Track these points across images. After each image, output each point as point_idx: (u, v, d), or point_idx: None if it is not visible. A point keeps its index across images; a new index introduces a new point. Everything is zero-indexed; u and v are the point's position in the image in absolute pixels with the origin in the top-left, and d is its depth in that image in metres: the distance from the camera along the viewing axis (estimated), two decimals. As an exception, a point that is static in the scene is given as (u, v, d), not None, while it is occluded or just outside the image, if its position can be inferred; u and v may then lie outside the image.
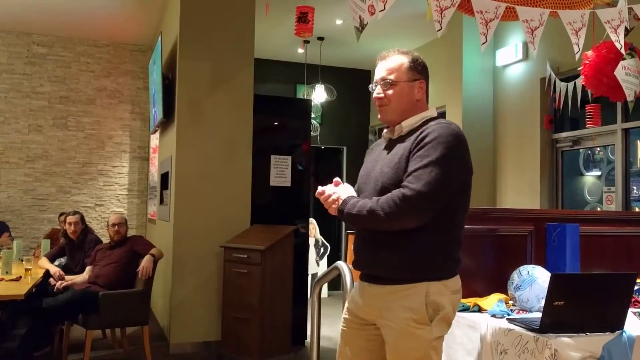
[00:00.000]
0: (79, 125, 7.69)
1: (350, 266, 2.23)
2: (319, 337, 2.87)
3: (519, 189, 6.16)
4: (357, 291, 2.15)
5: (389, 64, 2.13)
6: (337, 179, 2.14)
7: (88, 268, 4.79)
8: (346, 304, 2.21)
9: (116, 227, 4.79)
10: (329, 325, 4.69)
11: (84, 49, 7.73)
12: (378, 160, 2.14)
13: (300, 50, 7.73)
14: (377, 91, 2.13)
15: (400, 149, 2.05)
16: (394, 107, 2.11)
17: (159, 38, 5.99)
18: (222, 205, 5.16)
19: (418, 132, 2.03)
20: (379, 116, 2.16)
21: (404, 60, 2.13)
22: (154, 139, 7.32)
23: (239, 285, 4.69)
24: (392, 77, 2.11)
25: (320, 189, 2.12)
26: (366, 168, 2.20)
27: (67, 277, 4.74)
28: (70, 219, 5.21)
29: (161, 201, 6.23)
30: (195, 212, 5.11)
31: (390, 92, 2.11)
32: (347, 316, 2.20)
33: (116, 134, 7.88)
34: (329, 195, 2.08)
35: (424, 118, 2.11)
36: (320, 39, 7.51)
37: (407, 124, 2.11)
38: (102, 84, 7.81)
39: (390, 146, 2.13)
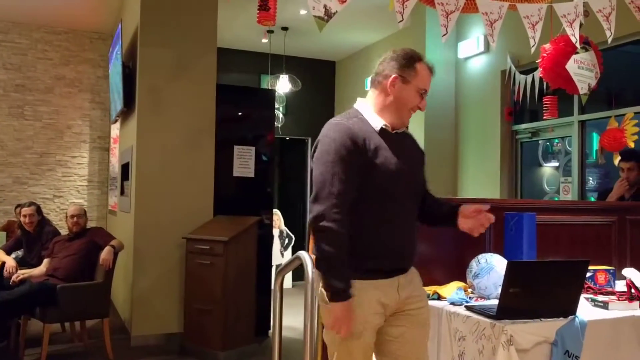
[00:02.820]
0: (36, 115, 7.48)
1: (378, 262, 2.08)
2: (280, 327, 2.88)
3: (479, 179, 6.27)
4: (394, 287, 2.07)
5: None
6: None
7: (45, 260, 4.68)
8: (373, 312, 2.05)
9: (75, 218, 4.69)
10: (293, 316, 4.70)
11: (41, 35, 7.50)
12: (402, 153, 2.10)
13: (265, 40, 7.68)
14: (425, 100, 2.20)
15: (414, 151, 2.24)
16: None
17: (119, 25, 5.86)
18: (185, 196, 5.10)
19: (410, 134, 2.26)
20: (406, 120, 2.18)
21: None
22: (115, 129, 7.17)
23: (201, 277, 4.66)
24: None
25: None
26: (394, 156, 2.08)
27: (24, 270, 4.62)
28: (25, 210, 5.08)
29: (122, 192, 6.12)
30: (157, 203, 5.04)
31: None
32: (377, 321, 2.07)
33: (75, 123, 7.69)
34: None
35: None
36: (285, 29, 7.47)
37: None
38: (60, 72, 7.60)
39: (395, 140, 2.13)
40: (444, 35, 3.30)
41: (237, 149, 5.39)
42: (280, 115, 8.30)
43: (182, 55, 5.19)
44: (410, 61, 2.14)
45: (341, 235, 1.94)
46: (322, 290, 2.03)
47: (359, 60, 8.66)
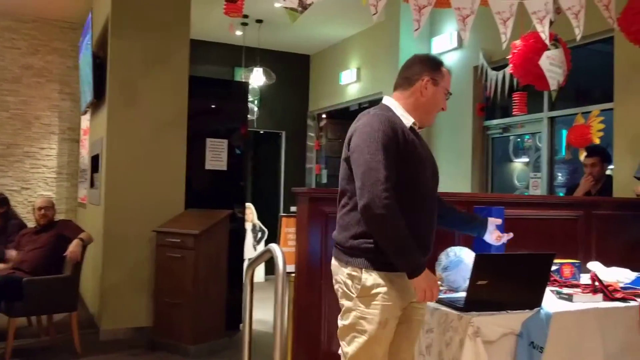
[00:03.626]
0: (3, 105, 7.30)
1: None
2: (251, 321, 2.87)
3: (452, 174, 6.32)
4: (408, 280, 2.11)
5: None
6: None
7: (10, 252, 4.58)
8: (401, 304, 2.15)
9: (42, 210, 4.61)
10: (265, 309, 4.70)
11: (8, 24, 7.32)
12: (426, 150, 2.33)
13: (239, 33, 7.62)
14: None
15: (429, 149, 2.40)
16: None
17: (90, 14, 5.75)
18: (155, 188, 5.04)
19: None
20: (432, 120, 2.36)
21: None
22: (85, 120, 7.05)
23: (172, 270, 4.61)
24: None
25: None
26: (422, 151, 2.28)
27: (-11, 263, 4.52)
28: (-10, 202, 4.97)
29: (92, 185, 6.03)
30: (127, 195, 4.98)
31: None
32: (394, 318, 2.16)
33: (44, 114, 7.53)
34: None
35: None
36: (259, 21, 7.43)
37: None
38: (28, 62, 7.43)
39: (419, 137, 2.31)
40: (416, 29, 3.32)
41: (209, 141, 5.34)
42: (255, 109, 8.25)
43: (154, 46, 5.12)
44: (438, 65, 2.33)
45: (396, 217, 2.03)
46: (347, 281, 2.14)
47: (333, 54, 8.66)
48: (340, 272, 2.19)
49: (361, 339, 2.12)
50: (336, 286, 2.24)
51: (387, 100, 2.32)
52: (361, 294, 2.12)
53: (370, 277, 2.11)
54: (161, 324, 4.67)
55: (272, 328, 2.68)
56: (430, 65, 2.30)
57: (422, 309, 2.26)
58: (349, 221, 2.18)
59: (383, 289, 2.10)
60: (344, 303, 2.18)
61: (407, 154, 2.16)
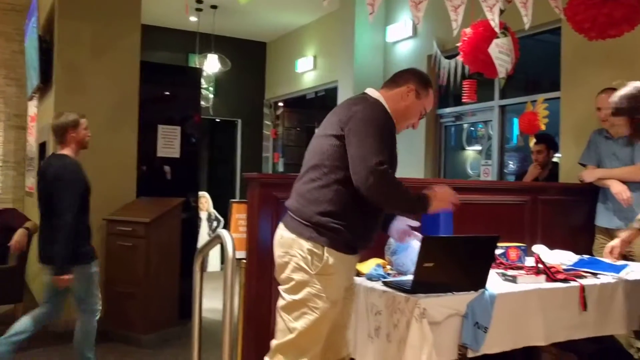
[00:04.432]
0: (-56, 90, 7.01)
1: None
2: (200, 308, 2.83)
3: (406, 161, 6.37)
4: (355, 263, 2.33)
5: None
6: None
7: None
8: (347, 285, 2.30)
9: (-15, 199, 4.44)
10: (219, 299, 4.64)
11: (-51, 5, 7.02)
12: None
13: (193, 19, 7.49)
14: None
15: None
16: None
17: (35, -4, 5.55)
18: (106, 176, 4.91)
19: None
20: (400, 129, 2.38)
21: None
22: (33, 107, 6.82)
23: (123, 259, 4.53)
24: None
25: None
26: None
27: None
28: None
29: (39, 173, 5.83)
30: (76, 183, 4.83)
31: None
32: (342, 298, 2.28)
33: (-12, 100, 7.26)
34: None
35: None
36: (214, 7, 7.32)
37: None
38: (-29, 46, 7.14)
39: None
40: (371, 14, 3.32)
41: (161, 128, 5.24)
42: (210, 96, 8.14)
43: (104, 30, 4.98)
44: (427, 83, 2.41)
45: (397, 183, 2.16)
46: (307, 256, 2.16)
47: (290, 42, 8.61)
48: (298, 246, 2.17)
49: (312, 316, 2.14)
50: (286, 258, 2.20)
51: (374, 93, 2.36)
52: (321, 271, 2.14)
53: (332, 257, 2.15)
54: (112, 314, 4.57)
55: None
56: (420, 79, 2.40)
57: (353, 292, 2.38)
58: (318, 197, 2.18)
59: (341, 269, 2.18)
60: (296, 277, 2.17)
61: (393, 145, 2.26)
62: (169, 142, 5.26)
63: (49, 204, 3.24)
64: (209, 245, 2.83)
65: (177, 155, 5.30)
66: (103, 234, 4.74)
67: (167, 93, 5.52)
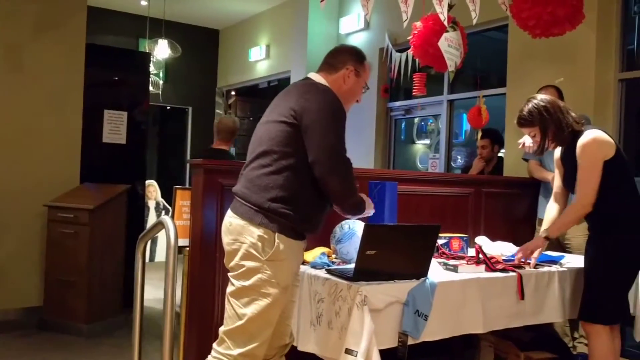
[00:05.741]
0: None
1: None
2: (142, 296, 2.78)
3: (355, 153, 6.38)
4: (302, 249, 2.33)
5: None
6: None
7: None
8: (296, 270, 2.33)
9: None
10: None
11: None
12: None
13: (144, 3, 7.31)
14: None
15: None
16: None
17: (-26, -29, 5.29)
18: (47, 161, 4.76)
19: None
20: (347, 109, 2.34)
21: None
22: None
23: (64, 247, 4.39)
24: None
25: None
26: None
27: None
28: None
29: (-23, 157, 5.60)
30: (16, 168, 4.66)
31: None
32: (291, 284, 2.30)
33: None
34: None
35: None
36: (165, -9, 7.17)
37: None
38: None
39: None
40: (322, 1, 3.32)
41: (107, 113, 5.10)
42: (160, 82, 7.97)
43: (47, 9, 4.80)
44: (362, 58, 2.42)
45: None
46: (258, 242, 2.15)
47: (243, 30, 8.52)
48: (248, 232, 2.15)
49: (263, 302, 2.14)
50: (235, 245, 2.17)
51: (319, 79, 2.35)
52: (272, 257, 2.14)
53: (282, 243, 2.15)
54: (52, 303, 4.44)
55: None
56: (356, 56, 2.40)
57: (298, 280, 2.40)
58: (268, 183, 2.16)
59: (291, 255, 2.19)
60: (246, 264, 2.15)
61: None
62: (115, 127, 5.12)
63: None
64: (150, 232, 2.77)
65: (123, 141, 5.17)
66: (44, 220, 4.59)
67: (115, 77, 5.36)
